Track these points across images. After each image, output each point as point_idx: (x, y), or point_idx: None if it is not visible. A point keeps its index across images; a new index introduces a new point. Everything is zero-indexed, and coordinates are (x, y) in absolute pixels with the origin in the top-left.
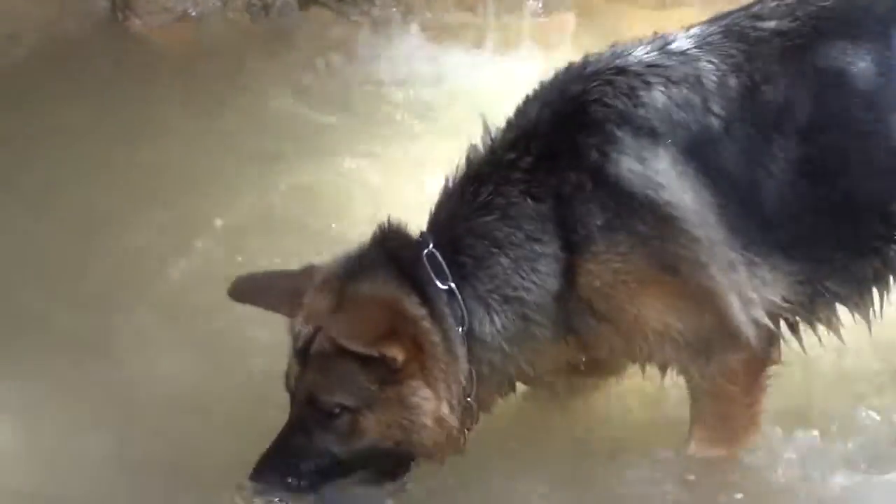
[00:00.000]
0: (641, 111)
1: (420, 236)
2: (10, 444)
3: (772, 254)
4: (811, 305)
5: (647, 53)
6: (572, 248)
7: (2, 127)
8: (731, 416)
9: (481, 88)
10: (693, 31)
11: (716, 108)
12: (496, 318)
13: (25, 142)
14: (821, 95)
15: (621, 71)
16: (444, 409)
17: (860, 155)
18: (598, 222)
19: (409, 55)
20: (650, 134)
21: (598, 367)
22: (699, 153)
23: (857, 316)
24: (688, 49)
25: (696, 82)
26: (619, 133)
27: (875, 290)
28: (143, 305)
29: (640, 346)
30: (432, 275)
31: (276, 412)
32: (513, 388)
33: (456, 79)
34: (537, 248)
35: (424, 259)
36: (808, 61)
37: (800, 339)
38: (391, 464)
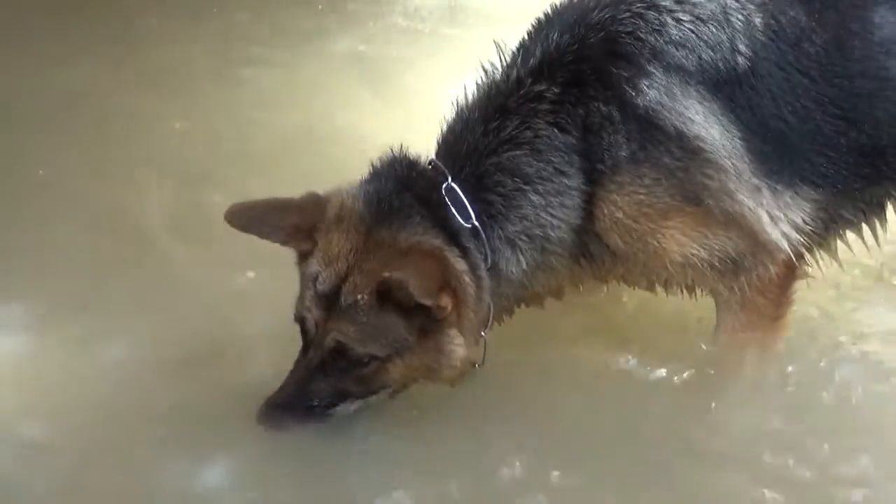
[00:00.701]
0: (672, 49)
1: (433, 168)
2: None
3: (795, 182)
4: (825, 233)
5: None
6: (595, 180)
7: None
8: (759, 327)
9: None
10: None
11: (742, 48)
12: (521, 258)
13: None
14: (843, 39)
15: (652, 5)
16: (469, 351)
17: (882, 97)
18: (625, 153)
19: None
20: (680, 71)
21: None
22: (726, 91)
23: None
24: None
25: (724, 21)
26: (650, 68)
27: (879, 217)
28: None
29: (659, 274)
30: (458, 217)
31: None
32: (519, 308)
33: None
34: (565, 181)
35: (445, 197)
36: (831, 6)
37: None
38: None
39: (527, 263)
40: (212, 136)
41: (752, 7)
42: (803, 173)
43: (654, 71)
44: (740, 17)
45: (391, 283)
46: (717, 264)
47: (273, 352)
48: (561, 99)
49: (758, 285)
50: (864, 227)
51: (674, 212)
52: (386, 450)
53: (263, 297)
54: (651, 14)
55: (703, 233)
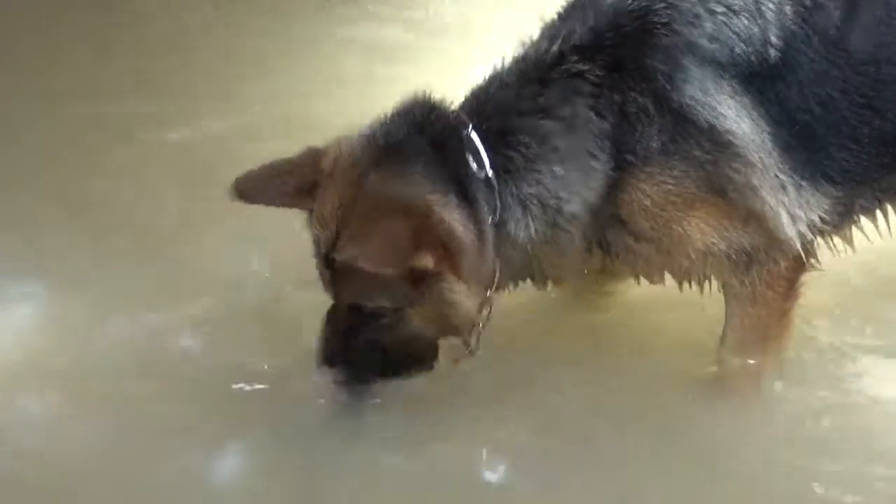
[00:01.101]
0: (705, 42)
1: (454, 115)
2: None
3: (817, 178)
4: (840, 223)
5: None
6: (624, 168)
7: None
8: (767, 322)
9: None
10: None
11: (773, 39)
12: (531, 223)
13: None
14: (869, 25)
15: None
16: (475, 302)
17: None
18: (656, 145)
19: None
20: (713, 64)
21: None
22: (757, 84)
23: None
24: None
25: (756, 11)
26: (685, 62)
27: (893, 203)
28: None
29: (680, 264)
30: (472, 162)
31: None
32: (524, 281)
33: None
34: (593, 164)
35: (464, 143)
36: None
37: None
38: (431, 349)
39: (535, 231)
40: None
41: None
42: (825, 169)
43: (689, 65)
44: (772, 6)
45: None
46: (733, 256)
47: (288, 335)
48: (601, 83)
49: (767, 279)
50: (878, 213)
51: (700, 202)
52: (399, 441)
53: (277, 282)
54: (685, 5)
55: (724, 225)
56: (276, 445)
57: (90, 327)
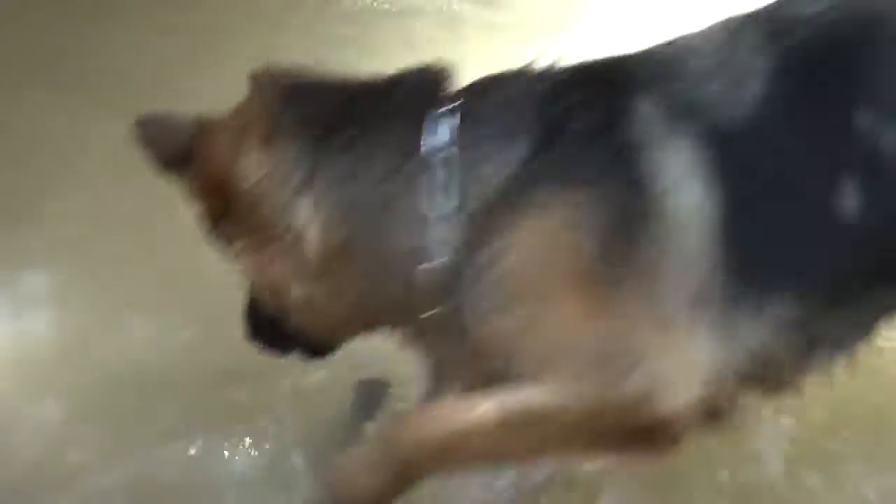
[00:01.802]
0: (678, 85)
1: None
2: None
3: (772, 285)
4: (803, 359)
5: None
6: (529, 180)
7: None
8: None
9: None
10: None
11: (750, 94)
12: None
13: None
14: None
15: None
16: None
17: None
18: (581, 170)
19: None
20: (682, 114)
21: None
22: (724, 146)
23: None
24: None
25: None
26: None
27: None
28: None
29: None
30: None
31: None
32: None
33: None
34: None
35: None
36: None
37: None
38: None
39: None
40: None
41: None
42: (791, 267)
43: (652, 110)
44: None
45: None
46: (591, 357)
47: None
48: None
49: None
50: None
51: (587, 276)
52: None
53: None
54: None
55: (600, 317)
56: (278, 449)
57: (92, 328)
